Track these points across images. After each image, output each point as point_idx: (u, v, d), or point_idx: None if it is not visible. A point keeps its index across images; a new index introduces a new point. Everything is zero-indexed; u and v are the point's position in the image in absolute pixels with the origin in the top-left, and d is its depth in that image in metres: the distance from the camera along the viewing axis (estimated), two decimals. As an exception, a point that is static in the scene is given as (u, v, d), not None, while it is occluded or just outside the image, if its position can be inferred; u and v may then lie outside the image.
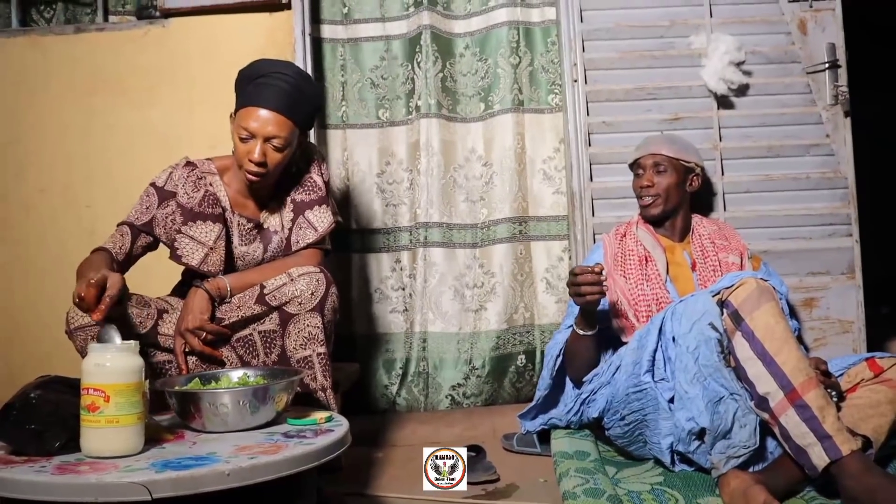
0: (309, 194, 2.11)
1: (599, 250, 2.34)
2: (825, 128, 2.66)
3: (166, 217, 2.03)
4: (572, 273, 2.00)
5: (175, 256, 2.01)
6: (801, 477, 1.72)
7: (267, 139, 1.96)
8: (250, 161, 1.96)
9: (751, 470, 1.76)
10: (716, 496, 1.75)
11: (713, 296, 1.88)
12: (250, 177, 1.98)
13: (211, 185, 2.07)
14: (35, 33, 2.74)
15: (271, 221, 2.11)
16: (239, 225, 2.08)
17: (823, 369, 1.95)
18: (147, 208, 2.04)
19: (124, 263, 2.00)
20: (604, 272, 1.98)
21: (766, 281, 1.86)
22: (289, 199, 2.11)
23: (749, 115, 2.67)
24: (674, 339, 1.89)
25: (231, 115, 2.04)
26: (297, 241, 2.07)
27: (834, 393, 1.91)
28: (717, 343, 1.80)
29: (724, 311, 1.85)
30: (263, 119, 1.95)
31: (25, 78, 2.70)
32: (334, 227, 2.12)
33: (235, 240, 2.08)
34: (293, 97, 1.99)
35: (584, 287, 1.97)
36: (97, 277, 1.68)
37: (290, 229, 2.08)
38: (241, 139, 1.96)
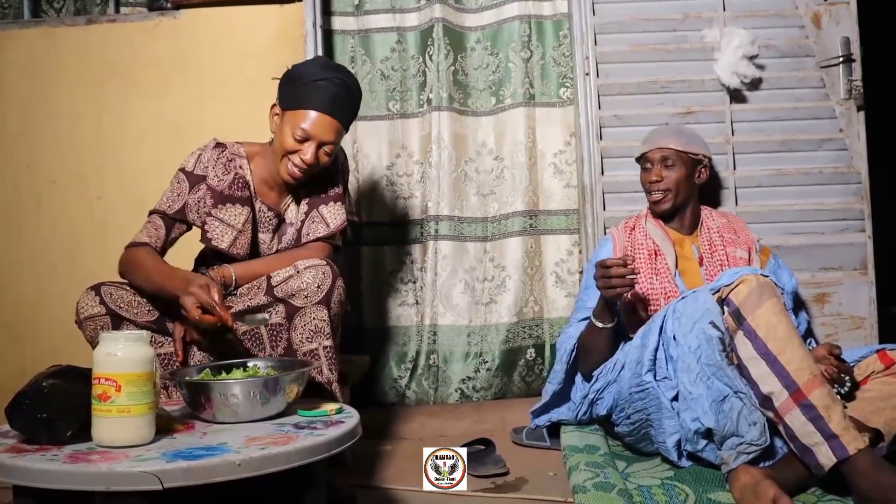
0: (325, 190, 2.11)
1: (608, 244, 2.33)
2: (839, 122, 2.64)
3: (198, 201, 2.04)
4: (602, 265, 1.98)
5: (205, 239, 2.02)
6: (811, 473, 1.71)
7: (321, 144, 1.98)
8: (301, 160, 1.97)
9: (760, 466, 1.76)
10: (726, 491, 1.74)
11: (714, 293, 1.86)
12: (296, 172, 1.99)
13: (240, 168, 2.08)
14: (47, 24, 2.74)
15: (289, 214, 2.12)
16: (260, 212, 2.09)
17: (837, 353, 1.94)
18: (178, 195, 2.06)
19: (161, 254, 2.03)
20: (633, 264, 1.98)
21: (766, 277, 1.84)
22: (305, 199, 2.12)
23: (762, 109, 2.66)
24: (674, 337, 1.88)
25: (274, 106, 2.04)
26: (308, 234, 2.08)
27: (848, 378, 1.90)
28: (718, 342, 1.79)
29: (725, 309, 1.83)
30: (323, 125, 1.97)
31: (37, 69, 2.71)
32: (346, 224, 2.12)
33: (258, 227, 2.09)
34: (347, 103, 2.02)
35: (614, 280, 1.96)
36: (203, 284, 1.75)
37: (303, 222, 2.08)
38: (296, 139, 1.97)
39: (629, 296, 2.16)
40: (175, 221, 2.05)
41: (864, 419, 1.79)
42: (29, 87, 2.71)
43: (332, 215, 2.09)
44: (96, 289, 1.85)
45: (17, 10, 2.86)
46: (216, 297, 1.74)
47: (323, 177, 2.11)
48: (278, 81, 2.05)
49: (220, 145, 2.10)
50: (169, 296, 1.82)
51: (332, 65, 2.08)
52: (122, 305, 1.85)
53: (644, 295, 2.18)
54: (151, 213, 2.07)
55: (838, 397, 1.75)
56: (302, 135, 1.96)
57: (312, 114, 1.96)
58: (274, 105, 2.04)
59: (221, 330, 1.82)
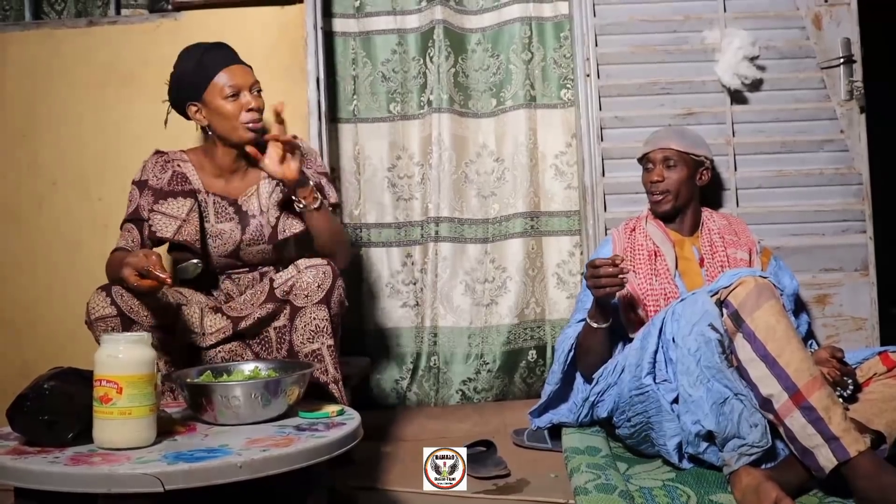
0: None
1: (608, 245, 2.33)
2: (839, 123, 2.64)
3: (147, 204, 2.09)
4: (592, 265, 1.98)
5: (150, 233, 2.06)
6: (812, 475, 1.71)
7: (251, 88, 2.08)
8: (248, 112, 2.05)
9: (762, 467, 1.75)
10: (727, 493, 1.74)
11: (712, 295, 1.86)
12: (254, 125, 2.06)
13: (179, 166, 2.15)
14: (48, 26, 2.74)
15: (250, 205, 2.14)
16: (215, 203, 2.13)
17: (840, 356, 1.93)
18: (132, 201, 2.13)
19: None
20: (624, 263, 1.98)
21: (764, 278, 1.84)
22: (264, 180, 2.15)
23: (762, 111, 2.66)
24: (673, 340, 1.88)
25: (189, 106, 2.10)
26: (284, 230, 2.11)
27: (850, 381, 1.90)
28: (717, 344, 1.78)
29: (724, 311, 1.83)
30: (238, 73, 2.08)
31: (39, 70, 2.71)
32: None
33: (211, 218, 2.12)
34: (232, 51, 2.14)
35: (604, 279, 1.96)
36: (140, 254, 1.75)
37: (278, 218, 2.11)
38: (230, 98, 2.05)
39: (627, 295, 2.16)
40: (142, 222, 2.09)
41: (867, 421, 1.79)
42: (30, 89, 2.71)
43: None
44: (107, 290, 1.85)
45: (19, 12, 2.86)
46: (153, 261, 1.74)
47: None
48: (171, 98, 2.17)
49: (159, 153, 2.18)
50: (123, 278, 1.80)
51: (192, 45, 2.17)
52: (132, 307, 1.84)
53: (637, 294, 2.18)
54: (122, 224, 2.12)
55: (839, 399, 1.74)
56: (231, 91, 2.05)
57: (223, 75, 2.06)
58: (188, 106, 2.11)
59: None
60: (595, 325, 2.09)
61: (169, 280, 1.73)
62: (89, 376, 1.42)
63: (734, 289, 1.82)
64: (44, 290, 2.69)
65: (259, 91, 2.10)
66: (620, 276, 1.95)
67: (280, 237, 2.10)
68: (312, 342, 1.89)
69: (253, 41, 2.64)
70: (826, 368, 1.89)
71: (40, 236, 2.70)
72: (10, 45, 2.72)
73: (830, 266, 2.62)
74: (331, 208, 2.16)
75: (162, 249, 2.09)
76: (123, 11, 2.86)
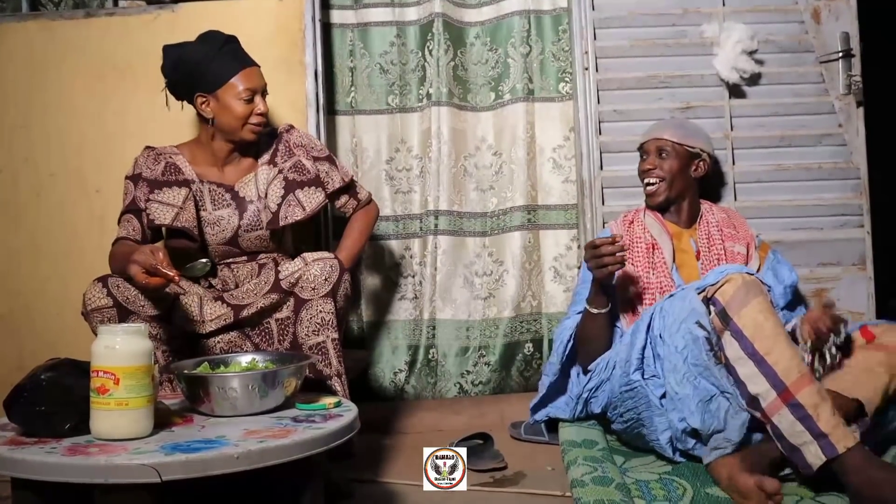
0: (300, 175, 2.19)
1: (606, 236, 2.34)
2: (838, 117, 2.64)
3: (142, 196, 2.11)
4: (592, 245, 1.99)
5: (149, 221, 2.07)
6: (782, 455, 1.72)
7: (263, 91, 2.14)
8: (258, 115, 2.11)
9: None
10: (723, 485, 1.75)
11: (700, 292, 1.86)
12: (257, 128, 2.12)
13: (171, 157, 2.18)
14: (45, 18, 2.73)
15: (247, 191, 2.18)
16: (210, 191, 2.16)
17: (831, 305, 1.93)
18: (128, 193, 2.15)
19: (143, 243, 2.06)
20: (623, 241, 1.99)
21: (751, 275, 1.84)
22: (262, 167, 2.20)
23: (761, 105, 2.66)
24: (661, 336, 1.88)
25: (198, 97, 2.12)
26: (286, 217, 2.14)
27: (843, 328, 1.88)
28: (705, 341, 1.79)
29: (712, 308, 1.83)
30: (254, 76, 2.13)
31: (36, 62, 2.70)
32: (325, 204, 2.21)
33: (208, 206, 2.14)
34: (241, 48, 2.18)
35: (606, 258, 1.96)
36: (147, 251, 1.75)
37: (280, 205, 2.14)
38: (246, 101, 2.09)
39: (624, 280, 2.16)
40: (140, 212, 2.10)
41: (847, 391, 1.80)
42: (27, 81, 2.70)
43: (308, 199, 2.17)
44: (103, 280, 1.86)
45: (16, 4, 2.85)
46: (160, 258, 1.73)
47: (295, 165, 2.20)
48: (173, 80, 2.20)
49: (149, 148, 2.21)
50: (131, 276, 1.79)
51: (210, 34, 2.18)
52: (129, 298, 1.85)
53: (635, 273, 2.18)
54: (119, 217, 2.13)
55: (827, 395, 1.72)
56: (248, 94, 2.09)
57: (242, 76, 2.10)
58: (197, 96, 2.12)
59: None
60: (595, 310, 2.10)
61: (177, 277, 1.73)
62: (86, 367, 1.41)
63: (721, 286, 1.82)
64: (42, 281, 2.68)
65: (267, 94, 2.14)
66: (619, 253, 1.95)
67: (281, 223, 2.13)
68: (317, 335, 1.90)
69: (251, 33, 2.62)
70: (821, 323, 1.87)
71: (38, 228, 2.69)
72: (6, 36, 2.71)
73: (828, 260, 2.62)
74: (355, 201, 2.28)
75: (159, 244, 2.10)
76: (121, 2, 2.84)
